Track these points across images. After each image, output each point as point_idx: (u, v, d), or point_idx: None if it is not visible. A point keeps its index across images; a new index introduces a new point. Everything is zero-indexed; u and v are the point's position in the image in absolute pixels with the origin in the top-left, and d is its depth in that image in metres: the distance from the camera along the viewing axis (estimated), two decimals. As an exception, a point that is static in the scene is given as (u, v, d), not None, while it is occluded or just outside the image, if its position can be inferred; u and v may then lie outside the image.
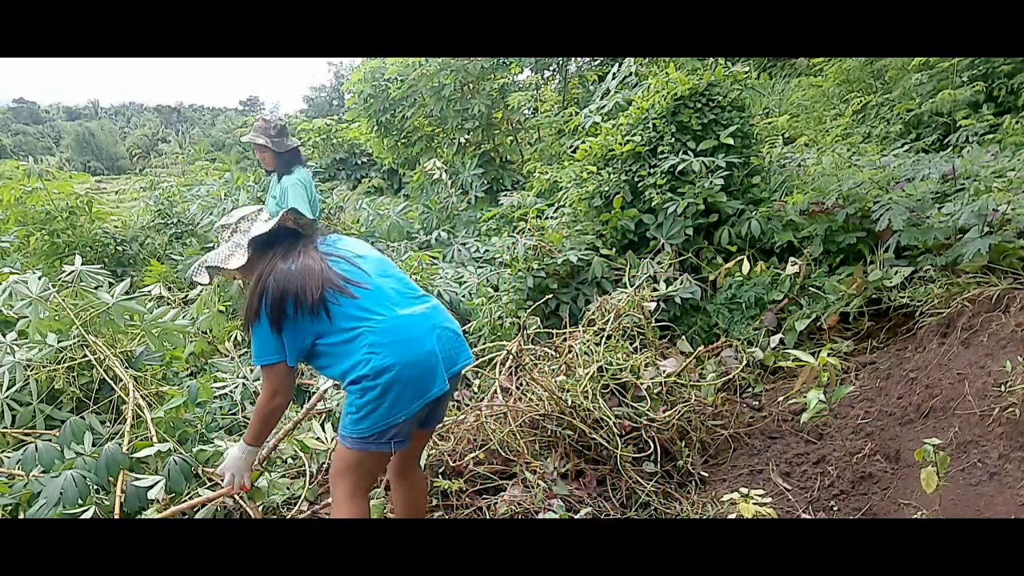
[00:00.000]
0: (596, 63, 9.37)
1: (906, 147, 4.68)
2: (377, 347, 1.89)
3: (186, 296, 5.18)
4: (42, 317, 2.93)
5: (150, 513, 2.37)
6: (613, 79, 6.77)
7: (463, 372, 2.18)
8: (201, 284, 2.07)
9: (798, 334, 3.54)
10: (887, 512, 2.34)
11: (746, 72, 4.53)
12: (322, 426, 3.15)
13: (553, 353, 3.17)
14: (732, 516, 2.24)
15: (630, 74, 6.52)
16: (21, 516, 2.30)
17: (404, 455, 2.18)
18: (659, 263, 4.07)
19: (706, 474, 2.87)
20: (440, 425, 2.95)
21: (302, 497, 2.72)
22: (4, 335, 3.02)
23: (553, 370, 3.03)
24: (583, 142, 4.80)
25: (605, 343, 3.18)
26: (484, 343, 3.79)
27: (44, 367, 2.92)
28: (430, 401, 1.98)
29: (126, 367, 3.05)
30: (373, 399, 1.88)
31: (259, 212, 2.09)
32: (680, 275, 4.00)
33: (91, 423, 2.79)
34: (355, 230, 6.28)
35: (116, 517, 2.28)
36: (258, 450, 2.18)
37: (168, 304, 4.85)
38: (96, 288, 3.16)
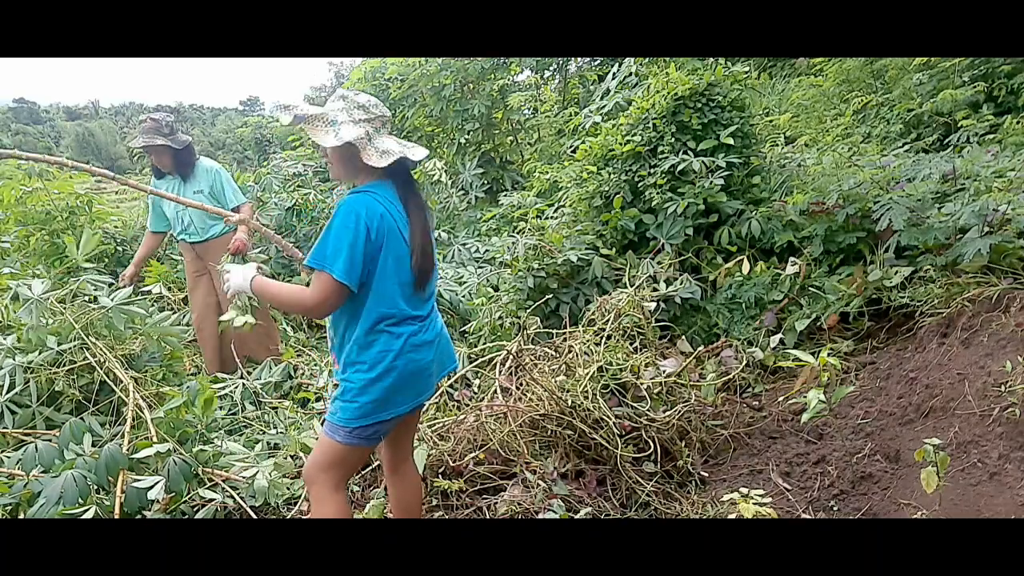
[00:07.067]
0: (596, 63, 9.38)
1: (906, 147, 4.67)
2: (391, 351, 1.91)
3: (185, 297, 5.18)
4: (42, 323, 2.93)
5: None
6: (613, 79, 6.77)
7: (455, 373, 2.20)
8: (280, 121, 1.91)
9: (798, 334, 3.54)
10: (887, 512, 2.34)
11: (746, 72, 4.53)
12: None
13: (553, 353, 3.17)
14: (732, 516, 2.24)
15: (630, 74, 6.52)
16: (21, 516, 2.30)
17: (395, 448, 2.21)
18: (659, 263, 4.07)
19: (706, 474, 2.87)
20: (440, 425, 2.96)
21: (302, 497, 2.72)
22: (4, 338, 3.02)
23: (553, 370, 3.03)
24: (583, 142, 4.80)
25: (605, 343, 3.18)
26: (484, 343, 3.79)
27: (44, 370, 2.92)
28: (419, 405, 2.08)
29: (126, 368, 3.05)
30: (369, 397, 1.91)
31: (386, 122, 1.93)
32: (680, 275, 4.00)
33: (91, 424, 2.79)
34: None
35: (116, 517, 2.28)
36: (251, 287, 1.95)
37: (168, 304, 4.85)
38: (96, 291, 3.17)
